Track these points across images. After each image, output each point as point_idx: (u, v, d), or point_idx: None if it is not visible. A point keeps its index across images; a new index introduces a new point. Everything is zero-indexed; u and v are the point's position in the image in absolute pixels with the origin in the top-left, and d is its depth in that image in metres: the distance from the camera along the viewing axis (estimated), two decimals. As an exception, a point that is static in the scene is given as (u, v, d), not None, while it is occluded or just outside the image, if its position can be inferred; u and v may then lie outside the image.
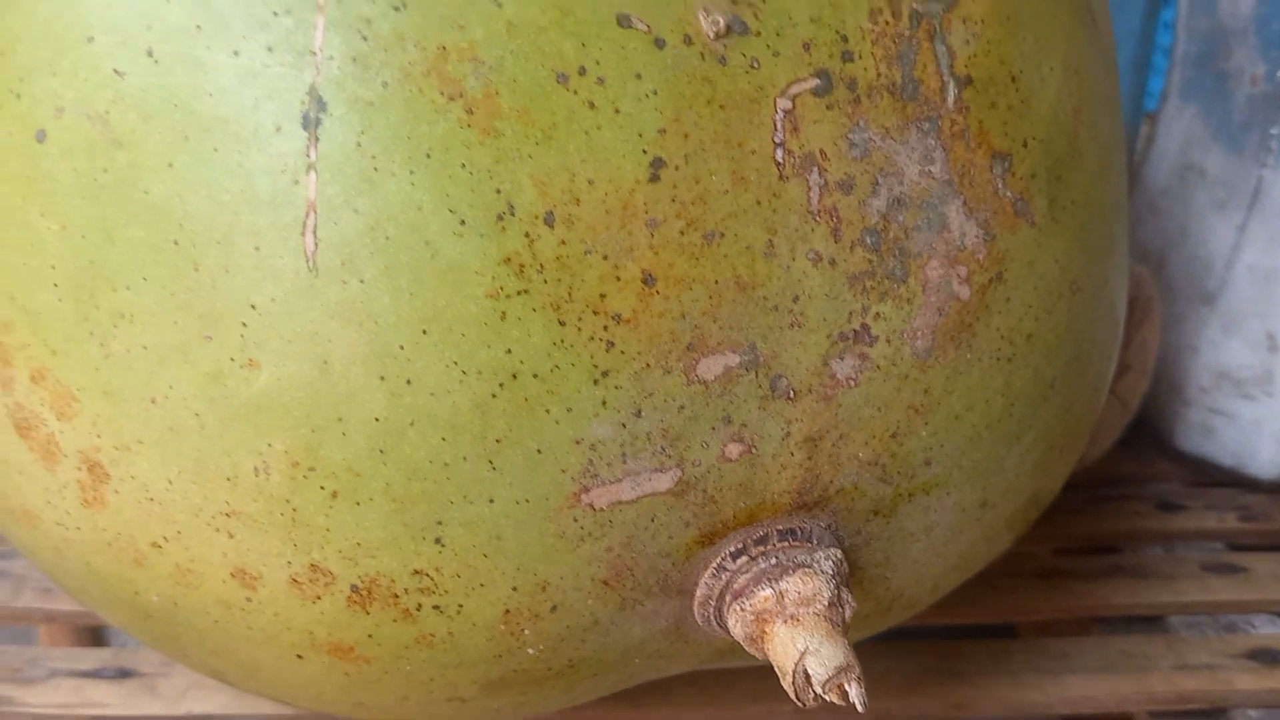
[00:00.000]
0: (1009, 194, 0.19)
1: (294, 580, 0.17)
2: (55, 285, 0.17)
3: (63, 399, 0.17)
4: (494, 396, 0.17)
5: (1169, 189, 0.33)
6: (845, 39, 0.18)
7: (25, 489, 0.18)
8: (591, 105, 0.16)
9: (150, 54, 0.16)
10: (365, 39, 0.16)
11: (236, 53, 0.16)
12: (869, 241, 0.18)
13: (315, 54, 0.16)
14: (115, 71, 0.16)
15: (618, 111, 0.16)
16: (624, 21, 0.16)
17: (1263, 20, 0.30)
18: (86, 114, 0.16)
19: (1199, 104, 0.32)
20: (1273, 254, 0.30)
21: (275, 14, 0.16)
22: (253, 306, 0.16)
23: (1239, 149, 0.31)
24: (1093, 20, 0.21)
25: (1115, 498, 0.32)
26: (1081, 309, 0.20)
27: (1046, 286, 0.20)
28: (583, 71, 0.16)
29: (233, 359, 0.16)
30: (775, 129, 0.17)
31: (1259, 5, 0.30)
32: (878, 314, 0.18)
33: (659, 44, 0.17)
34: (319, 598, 0.18)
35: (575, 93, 0.16)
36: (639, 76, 0.16)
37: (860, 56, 0.18)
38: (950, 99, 0.18)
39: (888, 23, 0.18)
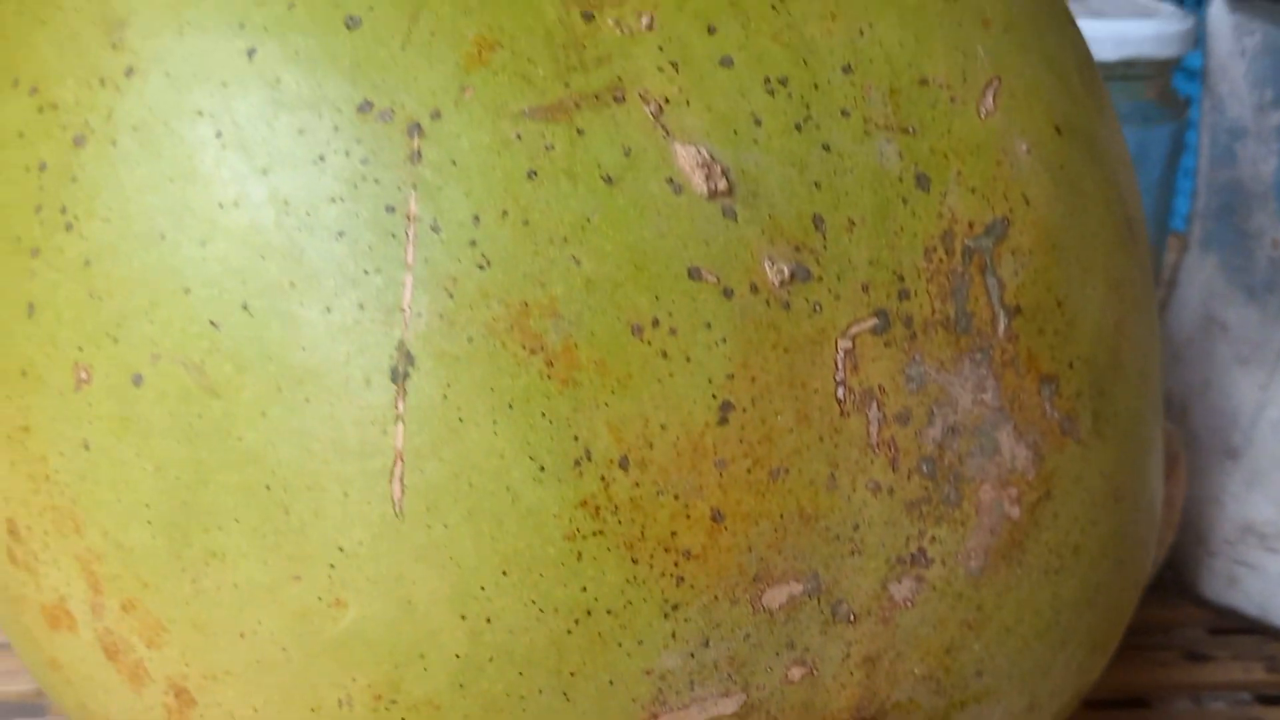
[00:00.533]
0: (1056, 414, 0.20)
1: (371, 803, 0.18)
2: (149, 523, 0.18)
3: (152, 628, 0.18)
4: (569, 632, 0.17)
5: (1192, 339, 0.34)
6: (902, 278, 0.18)
7: (111, 707, 0.19)
8: (664, 355, 0.17)
9: (246, 308, 0.17)
10: (451, 296, 0.17)
11: (329, 309, 0.17)
12: (925, 470, 0.19)
13: (404, 311, 0.17)
14: (211, 323, 0.17)
15: (689, 360, 0.17)
16: (694, 274, 0.17)
17: (1282, 187, 0.31)
18: (183, 362, 0.17)
19: (1220, 257, 0.33)
20: (1296, 412, 0.31)
21: (366, 272, 0.17)
22: (340, 549, 0.17)
23: (1261, 308, 0.32)
24: (1130, 232, 0.22)
25: (1143, 646, 0.32)
26: (1124, 515, 0.21)
27: (1092, 499, 0.20)
28: (656, 323, 0.17)
29: (320, 598, 0.17)
30: (837, 368, 0.18)
31: (1278, 172, 0.31)
32: (933, 537, 0.19)
33: (727, 294, 0.17)
34: (395, 819, 0.18)
35: (649, 343, 0.17)
36: (709, 325, 0.17)
37: (916, 294, 0.18)
38: (1001, 329, 0.19)
39: (941, 260, 0.19)
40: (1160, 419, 0.23)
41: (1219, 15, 0.32)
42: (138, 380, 0.17)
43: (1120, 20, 0.33)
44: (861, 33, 0.19)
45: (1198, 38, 0.35)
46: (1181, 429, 0.34)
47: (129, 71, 0.18)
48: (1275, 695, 0.31)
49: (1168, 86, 0.35)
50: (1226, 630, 0.33)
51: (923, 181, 0.19)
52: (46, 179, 0.18)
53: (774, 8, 0.19)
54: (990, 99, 0.20)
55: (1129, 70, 0.34)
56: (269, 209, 0.17)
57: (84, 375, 0.18)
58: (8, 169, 0.19)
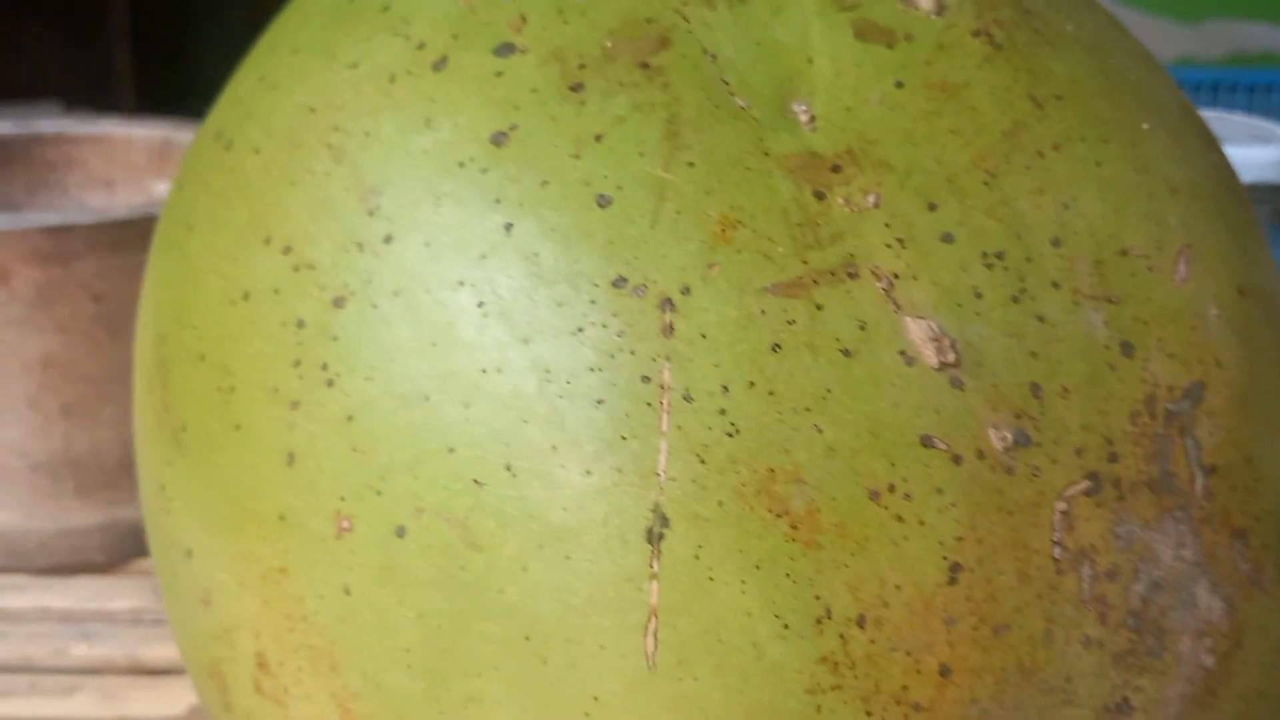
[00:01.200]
0: (1246, 567, 0.21)
1: None
2: (409, 666, 0.19)
3: (404, 766, 0.19)
4: (805, 779, 0.18)
5: None
6: (1111, 442, 0.19)
7: (353, 837, 0.20)
8: (899, 519, 0.18)
9: (509, 468, 0.18)
10: (703, 462, 0.18)
11: (588, 472, 0.18)
12: (1131, 623, 0.20)
13: (659, 475, 0.18)
14: (475, 481, 0.18)
15: (922, 523, 0.18)
16: (926, 442, 0.18)
17: None
18: (446, 517, 0.18)
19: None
20: None
21: (624, 438, 0.18)
22: (595, 699, 0.18)
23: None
24: (1304, 386, 0.23)
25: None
26: (1302, 659, 0.22)
27: (1275, 645, 0.21)
28: (892, 489, 0.18)
29: (573, 744, 0.18)
30: (1054, 529, 0.19)
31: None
32: (1137, 687, 0.20)
33: (956, 460, 0.18)
34: None
35: (886, 508, 0.18)
36: (940, 491, 0.18)
37: (1124, 457, 0.20)
38: (1199, 488, 0.20)
39: (1146, 423, 0.20)
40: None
41: (1339, 143, 0.34)
42: (400, 532, 0.19)
43: (1241, 147, 0.35)
44: (1066, 206, 0.20)
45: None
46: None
47: (387, 238, 0.19)
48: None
49: (1284, 207, 0.36)
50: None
51: (1127, 349, 0.20)
52: (305, 335, 0.20)
53: (987, 184, 0.20)
54: (1183, 266, 0.21)
55: (1249, 195, 0.35)
56: (531, 376, 0.18)
57: (345, 524, 0.19)
58: (263, 323, 0.20)
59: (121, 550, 0.38)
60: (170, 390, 0.22)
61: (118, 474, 0.37)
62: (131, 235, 0.35)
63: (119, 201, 0.43)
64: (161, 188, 0.42)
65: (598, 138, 0.19)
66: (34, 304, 0.34)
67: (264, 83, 0.23)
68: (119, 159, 0.42)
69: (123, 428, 0.37)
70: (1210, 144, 0.24)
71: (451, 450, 0.18)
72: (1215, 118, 0.38)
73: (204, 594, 0.21)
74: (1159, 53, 0.79)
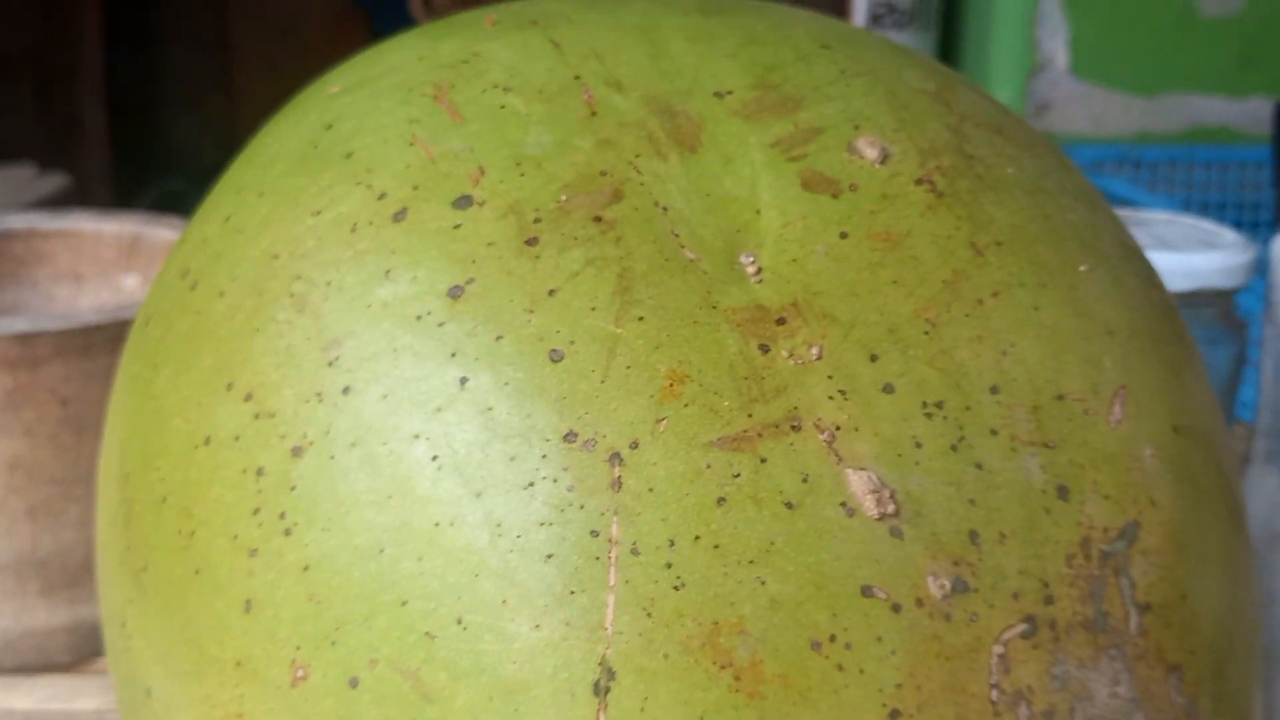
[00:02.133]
0: (1181, 700, 0.21)
1: None
2: (362, 816, 0.19)
3: None
4: None
5: (1257, 550, 0.36)
6: (1047, 584, 0.20)
7: None
8: (840, 668, 0.19)
9: (461, 622, 0.19)
10: (650, 615, 0.18)
11: (538, 626, 0.18)
12: (1069, 763, 0.20)
13: (606, 629, 0.18)
14: (428, 634, 0.19)
15: (862, 671, 0.19)
16: (867, 591, 0.19)
17: (1349, 421, 0.33)
18: (399, 669, 0.19)
19: (1283, 474, 0.35)
20: (1366, 636, 0.33)
21: (573, 592, 0.18)
22: None
23: (1328, 530, 0.33)
24: (1239, 519, 0.24)
25: None
26: (1240, 787, 0.23)
27: (1213, 776, 0.22)
28: (833, 639, 0.19)
29: None
30: (991, 672, 0.20)
31: (1345, 407, 0.33)
32: (1076, 825, 0.20)
33: (896, 609, 0.19)
34: None
35: (827, 657, 0.19)
36: (880, 639, 0.19)
37: (1060, 599, 0.20)
38: (1133, 626, 0.21)
39: (1081, 565, 0.20)
40: (1261, 686, 0.25)
41: (1282, 251, 0.35)
42: (354, 682, 0.19)
43: (1187, 254, 0.36)
44: (1005, 353, 0.21)
45: (1262, 258, 0.38)
46: (1250, 639, 0.36)
47: (346, 390, 0.20)
48: None
49: (1231, 311, 0.37)
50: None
51: (1063, 492, 0.21)
52: (265, 484, 0.20)
53: (927, 334, 0.21)
54: (1118, 408, 0.22)
55: (1195, 299, 0.36)
56: (484, 530, 0.19)
57: (301, 673, 0.19)
58: (224, 469, 0.21)
59: (85, 650, 0.39)
60: (133, 530, 0.22)
61: (82, 574, 0.37)
62: (99, 339, 0.35)
63: (87, 295, 0.43)
64: (130, 281, 0.43)
65: (551, 292, 0.20)
66: (1, 408, 0.35)
67: (229, 224, 0.23)
68: (88, 253, 0.43)
69: (87, 528, 0.37)
70: (1150, 280, 0.24)
71: (405, 603, 0.19)
72: (1164, 220, 0.39)
73: (163, 732, 0.21)
74: (1116, 127, 0.80)
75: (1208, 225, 0.38)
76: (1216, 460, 0.23)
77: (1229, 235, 0.37)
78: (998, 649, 0.20)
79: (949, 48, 0.86)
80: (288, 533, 0.20)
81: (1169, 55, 0.80)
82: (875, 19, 0.80)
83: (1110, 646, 0.21)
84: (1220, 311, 0.37)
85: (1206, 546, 0.22)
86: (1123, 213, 0.39)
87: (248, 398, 0.21)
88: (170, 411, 0.22)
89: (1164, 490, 0.22)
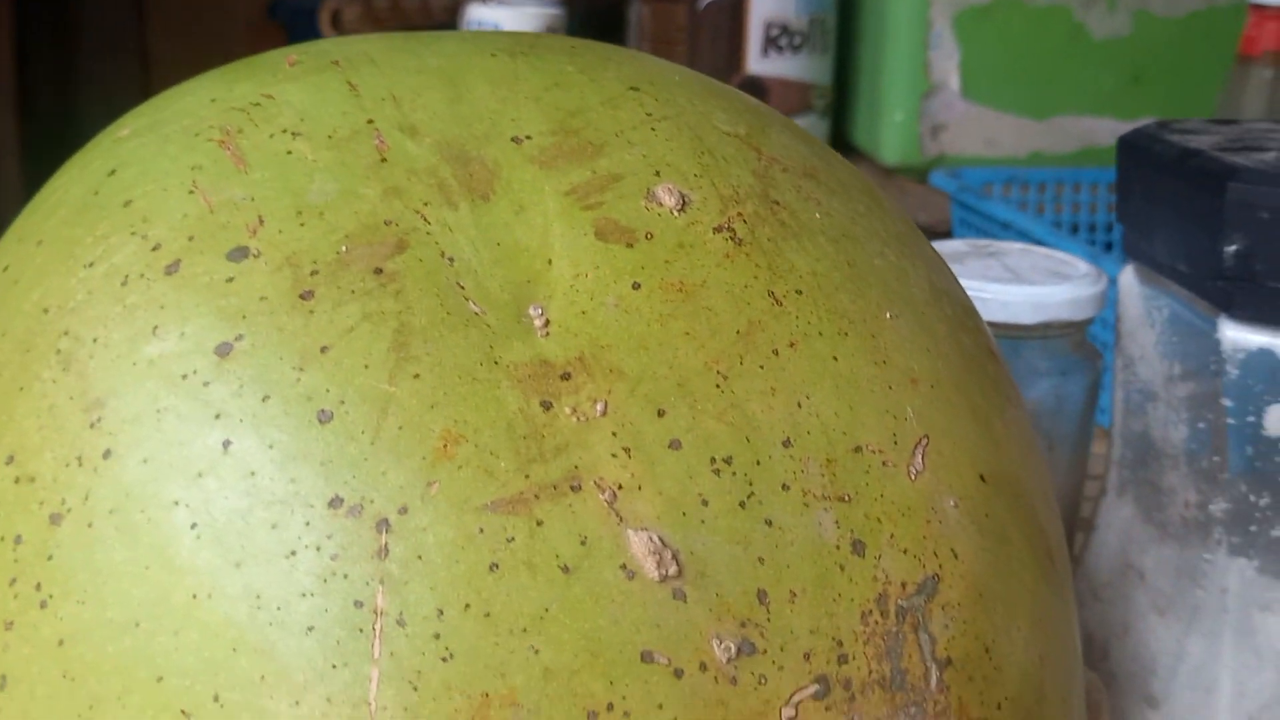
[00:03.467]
0: (985, 756, 0.21)
1: None
2: None
3: None
4: None
5: (1111, 582, 0.36)
6: (840, 643, 0.20)
7: None
8: (618, 738, 0.18)
9: (217, 699, 0.18)
10: (415, 689, 0.18)
11: (297, 703, 0.18)
12: (864, 826, 0.20)
13: (370, 704, 0.18)
14: (183, 712, 0.18)
15: (642, 741, 0.18)
16: (647, 657, 0.18)
17: (1191, 454, 0.33)
18: (154, 750, 0.18)
19: (1135, 505, 0.35)
20: (1211, 667, 0.33)
21: (334, 667, 0.18)
22: None
23: (1177, 561, 0.33)
24: (1051, 562, 0.23)
25: None
26: (1051, 840, 0.22)
27: (1020, 831, 0.22)
28: (610, 708, 0.18)
29: None
30: (780, 737, 0.19)
31: (1189, 440, 0.33)
32: None
33: (678, 674, 0.18)
34: None
35: (604, 728, 0.18)
36: (660, 707, 0.18)
37: (854, 657, 0.20)
38: (933, 682, 0.20)
39: (877, 622, 0.20)
40: (1083, 730, 0.24)
41: (1129, 284, 0.35)
42: (109, 765, 0.18)
43: (1037, 286, 0.35)
44: (800, 405, 0.20)
45: (1113, 290, 0.38)
46: (1102, 670, 0.35)
47: (106, 453, 0.19)
48: None
49: (1083, 340, 0.37)
50: None
51: (858, 548, 0.20)
52: (22, 552, 0.19)
53: (718, 387, 0.20)
54: (920, 459, 0.21)
55: (1046, 330, 0.36)
56: (242, 603, 0.18)
57: (55, 755, 0.18)
58: (-17, 537, 0.20)
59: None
60: (-102, 596, 0.21)
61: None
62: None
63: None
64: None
65: (324, 349, 0.19)
66: None
67: (6, 275, 0.22)
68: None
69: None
70: (961, 324, 0.24)
71: (160, 679, 0.18)
72: (1018, 250, 0.39)
73: (-76, 816, 0.20)
74: (1010, 149, 0.81)
75: (1062, 255, 0.38)
76: (1029, 506, 0.23)
77: (1082, 266, 0.37)
78: (788, 711, 0.19)
79: (844, 71, 0.87)
80: (43, 605, 0.19)
81: (1060, 78, 0.81)
82: (770, 40, 0.80)
83: (909, 704, 0.20)
84: (1073, 342, 0.37)
85: (1013, 597, 0.22)
86: (979, 243, 0.39)
87: (9, 460, 0.20)
88: (-66, 475, 0.21)
89: (966, 542, 0.21)
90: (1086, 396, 0.37)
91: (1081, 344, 0.37)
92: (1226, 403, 0.31)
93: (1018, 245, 0.39)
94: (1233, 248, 0.30)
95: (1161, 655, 0.34)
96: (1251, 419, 0.31)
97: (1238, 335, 0.31)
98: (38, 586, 0.19)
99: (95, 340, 0.20)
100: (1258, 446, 0.31)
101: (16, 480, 0.20)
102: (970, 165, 0.76)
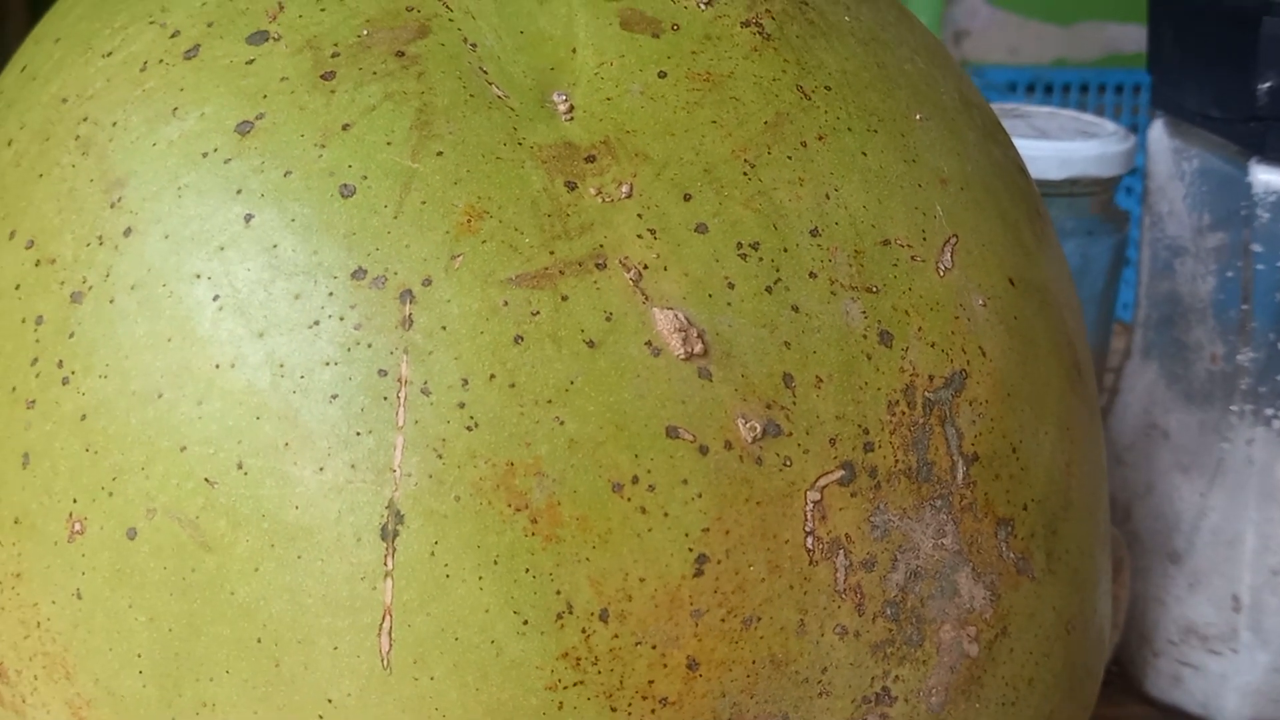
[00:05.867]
0: (1011, 555, 0.21)
1: None
2: (140, 672, 0.18)
3: (141, 775, 0.18)
4: (550, 778, 0.18)
5: (1134, 444, 0.35)
6: (867, 431, 0.19)
7: None
8: (643, 510, 0.18)
9: (241, 466, 0.18)
10: (440, 457, 0.18)
11: (321, 469, 0.17)
12: (889, 613, 0.20)
13: (394, 471, 0.17)
14: (207, 480, 0.18)
15: (666, 515, 0.18)
16: (672, 433, 0.18)
17: (1220, 305, 0.32)
18: (177, 517, 0.18)
19: (1160, 365, 0.35)
20: (1235, 521, 0.32)
21: (358, 434, 0.18)
22: (329, 701, 0.18)
23: (1200, 418, 0.33)
24: (1079, 374, 0.23)
25: (1092, 744, 0.33)
26: (1075, 645, 0.22)
27: (1045, 633, 0.21)
28: (635, 480, 0.18)
29: (309, 747, 0.18)
30: (806, 519, 0.19)
31: (1216, 291, 0.32)
32: (897, 677, 0.20)
33: (703, 451, 0.18)
34: None
35: (629, 500, 0.18)
36: (685, 482, 0.18)
37: (880, 446, 0.19)
38: (959, 476, 0.20)
39: (904, 412, 0.20)
40: (1108, 550, 0.24)
41: (1159, 138, 0.34)
42: (132, 534, 0.18)
43: (1065, 141, 0.35)
44: (828, 196, 0.20)
45: (1139, 150, 0.37)
46: (1124, 531, 0.35)
47: (127, 231, 0.19)
48: (1218, 794, 0.32)
49: (1110, 201, 0.37)
50: (1172, 729, 0.34)
51: (886, 338, 0.20)
52: (43, 333, 0.19)
53: (745, 175, 0.20)
54: (948, 256, 0.21)
55: (1073, 188, 0.35)
56: (265, 371, 0.18)
57: (78, 527, 0.18)
58: (4, 320, 0.19)
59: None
60: (-80, 391, 0.21)
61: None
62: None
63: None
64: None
65: (345, 127, 0.19)
66: None
67: (25, 73, 0.22)
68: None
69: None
70: (993, 136, 0.24)
71: (184, 448, 0.18)
72: (1045, 113, 0.38)
73: (-50, 601, 0.20)
74: (1034, 54, 0.80)
75: (1089, 118, 0.38)
76: (1057, 316, 0.23)
77: (1109, 126, 0.37)
78: (813, 495, 0.19)
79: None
80: (65, 381, 0.19)
81: (1086, -17, 0.80)
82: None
83: (935, 497, 0.20)
84: (1099, 201, 0.36)
85: (1040, 400, 0.22)
86: (1004, 105, 0.38)
87: (29, 245, 0.20)
88: (-46, 266, 0.21)
89: (994, 341, 0.21)
90: (1112, 258, 0.37)
91: (1108, 205, 0.37)
92: (1256, 248, 0.31)
93: (1045, 109, 0.38)
94: (1266, 85, 0.29)
95: (1185, 512, 0.34)
96: (1281, 264, 0.30)
97: (1269, 178, 0.30)
98: (59, 364, 0.19)
99: (115, 124, 0.20)
100: (1287, 292, 0.31)
101: (37, 263, 0.19)
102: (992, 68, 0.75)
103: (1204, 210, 0.32)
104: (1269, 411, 0.32)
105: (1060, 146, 0.35)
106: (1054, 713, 0.22)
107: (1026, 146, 0.35)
